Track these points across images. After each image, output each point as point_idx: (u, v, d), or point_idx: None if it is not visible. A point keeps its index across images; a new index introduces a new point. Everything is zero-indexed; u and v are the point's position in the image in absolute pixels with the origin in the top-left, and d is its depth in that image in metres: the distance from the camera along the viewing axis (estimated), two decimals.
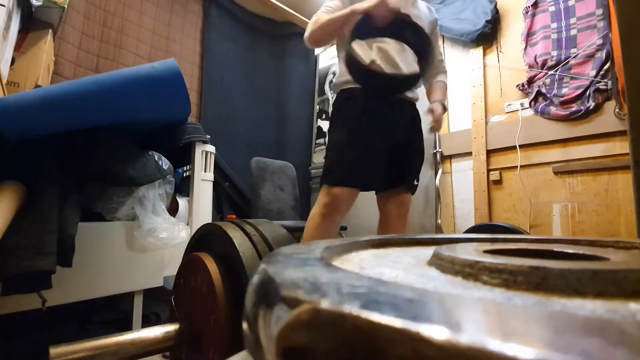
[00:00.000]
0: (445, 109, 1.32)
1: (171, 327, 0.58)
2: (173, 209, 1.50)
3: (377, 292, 0.14)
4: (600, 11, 1.81)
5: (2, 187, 0.89)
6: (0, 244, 0.78)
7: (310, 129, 3.15)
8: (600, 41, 1.79)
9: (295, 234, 1.92)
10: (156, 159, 1.25)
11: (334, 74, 3.01)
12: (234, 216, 2.00)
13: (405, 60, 1.24)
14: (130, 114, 1.14)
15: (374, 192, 1.36)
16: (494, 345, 0.10)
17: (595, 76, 1.79)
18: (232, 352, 0.33)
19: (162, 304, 1.37)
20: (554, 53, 1.94)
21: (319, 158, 2.98)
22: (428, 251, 0.34)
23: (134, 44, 2.21)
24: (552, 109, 1.92)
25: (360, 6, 1.10)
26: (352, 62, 1.12)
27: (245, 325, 0.18)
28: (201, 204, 1.40)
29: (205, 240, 0.66)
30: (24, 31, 1.53)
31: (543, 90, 1.96)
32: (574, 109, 1.84)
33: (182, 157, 1.48)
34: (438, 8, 2.44)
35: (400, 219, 1.33)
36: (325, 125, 3.02)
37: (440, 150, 2.39)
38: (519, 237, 0.45)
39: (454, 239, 0.44)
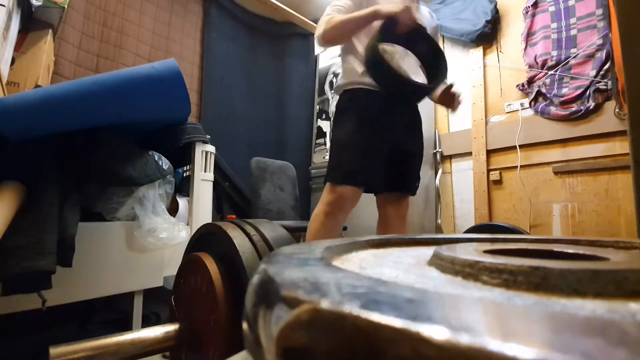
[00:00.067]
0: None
1: (171, 327, 0.58)
2: (173, 209, 1.50)
3: (377, 292, 0.14)
4: (600, 11, 1.81)
5: (2, 187, 0.89)
6: (0, 244, 0.78)
7: (310, 129, 3.15)
8: (600, 41, 1.79)
9: (295, 234, 1.93)
10: (156, 159, 1.25)
11: (334, 74, 3.00)
12: (234, 216, 2.00)
13: (409, 67, 1.24)
14: (130, 114, 1.13)
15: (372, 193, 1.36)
16: (494, 345, 0.10)
17: (595, 76, 1.79)
18: (232, 352, 0.33)
19: (162, 304, 1.37)
20: (554, 53, 1.94)
21: (319, 158, 2.97)
22: (428, 251, 0.34)
23: (134, 44, 2.22)
24: (552, 109, 1.92)
25: (384, 9, 1.08)
26: (377, 63, 1.08)
27: (245, 325, 0.18)
28: (201, 204, 1.40)
29: (205, 240, 0.66)
30: (24, 31, 1.53)
31: (543, 90, 1.96)
32: (574, 109, 1.84)
33: (182, 157, 1.47)
34: (438, 8, 2.44)
35: (400, 219, 1.33)
36: (325, 125, 3.01)
37: (440, 150, 2.39)
38: (519, 237, 0.45)
39: (454, 239, 0.44)
